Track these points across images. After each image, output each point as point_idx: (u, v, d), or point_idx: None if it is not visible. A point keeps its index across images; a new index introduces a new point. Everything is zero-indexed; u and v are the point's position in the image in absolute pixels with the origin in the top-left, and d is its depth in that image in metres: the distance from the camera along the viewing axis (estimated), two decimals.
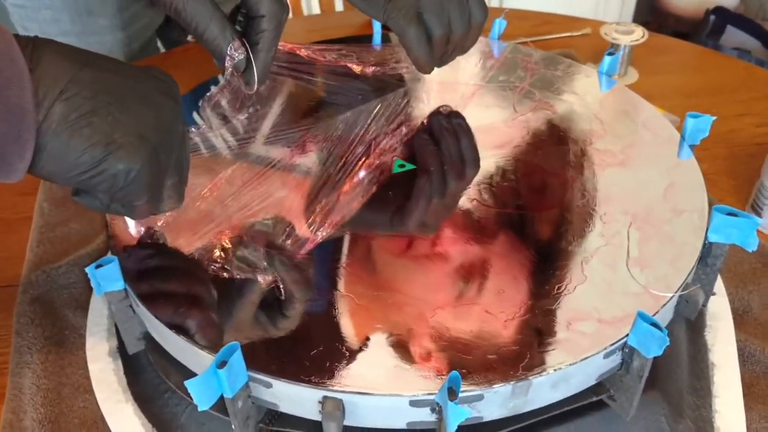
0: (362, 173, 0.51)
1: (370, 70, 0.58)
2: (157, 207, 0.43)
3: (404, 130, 0.57)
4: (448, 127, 0.60)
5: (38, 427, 0.48)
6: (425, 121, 0.61)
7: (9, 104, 0.35)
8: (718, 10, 1.86)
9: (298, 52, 0.56)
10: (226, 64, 0.47)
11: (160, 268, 0.48)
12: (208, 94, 0.51)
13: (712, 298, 0.53)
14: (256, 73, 0.48)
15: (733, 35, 1.81)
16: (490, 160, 0.58)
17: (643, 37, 0.83)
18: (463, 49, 0.58)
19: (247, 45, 0.47)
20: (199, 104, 0.51)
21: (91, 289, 0.58)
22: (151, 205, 0.42)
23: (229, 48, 0.46)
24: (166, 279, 0.47)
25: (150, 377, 0.51)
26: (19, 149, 0.36)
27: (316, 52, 0.57)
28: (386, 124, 0.58)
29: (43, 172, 0.38)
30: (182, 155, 0.44)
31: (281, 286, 0.45)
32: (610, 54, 0.66)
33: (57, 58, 0.38)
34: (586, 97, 0.65)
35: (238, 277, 0.46)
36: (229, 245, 0.48)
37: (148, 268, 0.48)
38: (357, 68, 0.58)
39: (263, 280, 0.45)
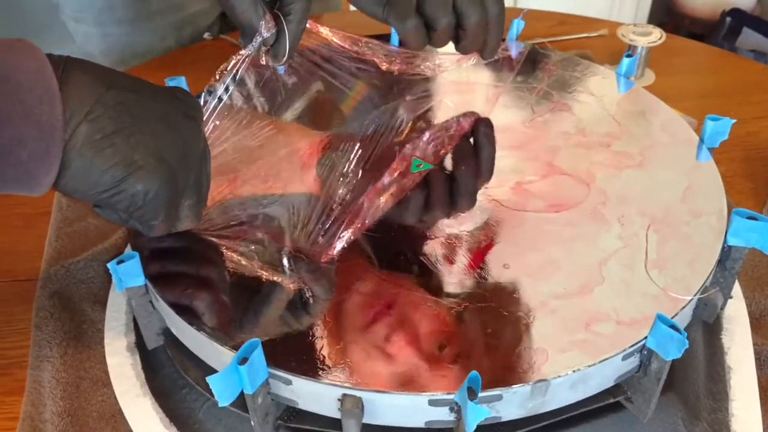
0: (386, 179, 0.51)
1: (396, 67, 0.57)
2: (174, 225, 0.44)
3: (427, 134, 0.56)
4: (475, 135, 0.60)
5: (57, 419, 0.49)
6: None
7: (40, 122, 0.36)
8: (735, 12, 1.85)
9: (322, 35, 0.55)
10: (255, 39, 0.47)
11: (177, 251, 0.49)
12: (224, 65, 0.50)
13: (728, 301, 0.53)
14: (288, 45, 0.49)
15: (750, 37, 1.80)
16: (509, 161, 0.58)
17: (660, 38, 0.83)
18: (488, 45, 0.57)
19: (281, 16, 0.48)
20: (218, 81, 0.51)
21: (109, 283, 0.58)
22: (168, 224, 0.43)
23: (260, 22, 0.47)
24: (181, 263, 0.49)
25: (168, 372, 0.51)
26: (46, 165, 0.37)
27: (344, 39, 0.56)
28: (409, 128, 0.57)
29: (66, 188, 0.39)
30: (201, 176, 0.45)
31: (306, 292, 0.46)
32: (628, 56, 0.66)
33: (85, 78, 0.39)
34: (604, 98, 0.65)
35: (263, 279, 0.46)
36: (253, 247, 0.48)
37: (163, 249, 0.49)
38: (384, 65, 0.57)
39: (288, 285, 0.46)
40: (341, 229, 0.48)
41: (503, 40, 0.57)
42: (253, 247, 0.48)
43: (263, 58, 0.49)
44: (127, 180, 0.39)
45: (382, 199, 0.50)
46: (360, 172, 0.53)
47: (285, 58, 0.49)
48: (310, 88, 0.61)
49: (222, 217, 0.49)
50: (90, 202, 0.41)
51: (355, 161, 0.54)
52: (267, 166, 0.53)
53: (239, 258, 0.47)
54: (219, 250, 0.48)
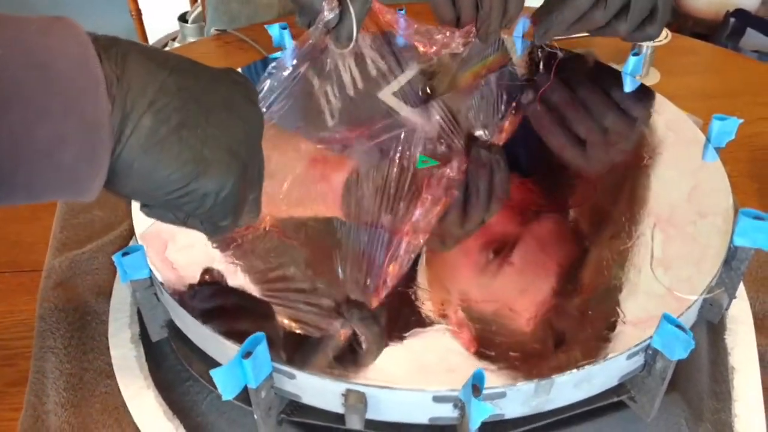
0: (418, 212, 0.48)
1: (432, 51, 0.56)
2: (237, 223, 0.40)
3: (455, 163, 0.54)
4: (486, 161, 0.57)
5: (61, 410, 0.49)
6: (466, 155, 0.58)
7: (83, 118, 0.31)
8: (739, 13, 1.84)
9: (381, 16, 0.53)
10: (317, 20, 0.45)
11: (232, 309, 0.46)
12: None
13: (732, 302, 0.53)
14: (355, 27, 0.46)
15: (753, 38, 1.79)
16: (512, 159, 0.57)
17: (666, 38, 0.83)
18: (508, 15, 0.57)
19: None
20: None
21: (113, 275, 0.58)
22: (235, 223, 0.40)
23: (322, 2, 0.44)
24: (239, 320, 0.45)
25: (172, 364, 0.51)
26: (94, 168, 0.32)
27: (392, 18, 0.54)
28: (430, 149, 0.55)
29: (125, 190, 0.35)
30: (262, 167, 0.41)
31: (359, 339, 0.42)
32: (635, 54, 0.66)
33: (144, 62, 0.34)
34: (610, 96, 0.65)
35: (315, 328, 0.44)
36: (303, 296, 0.45)
37: (216, 307, 0.46)
38: (422, 48, 0.56)
39: (341, 333, 0.43)
40: (386, 271, 0.46)
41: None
42: (302, 297, 0.45)
43: (327, 42, 0.47)
44: (199, 179, 0.35)
45: (420, 235, 0.48)
46: (390, 206, 0.50)
47: (351, 42, 0.47)
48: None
49: (269, 272, 0.47)
50: (150, 203, 0.38)
51: (383, 196, 0.50)
52: (287, 186, 0.50)
53: (290, 309, 0.45)
54: (269, 303, 0.46)
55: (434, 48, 0.57)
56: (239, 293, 0.46)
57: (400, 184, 0.50)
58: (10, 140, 0.30)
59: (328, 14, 0.45)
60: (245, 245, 0.48)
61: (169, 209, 0.38)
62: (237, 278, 0.47)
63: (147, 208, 0.39)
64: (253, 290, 0.46)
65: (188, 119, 0.34)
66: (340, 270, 0.47)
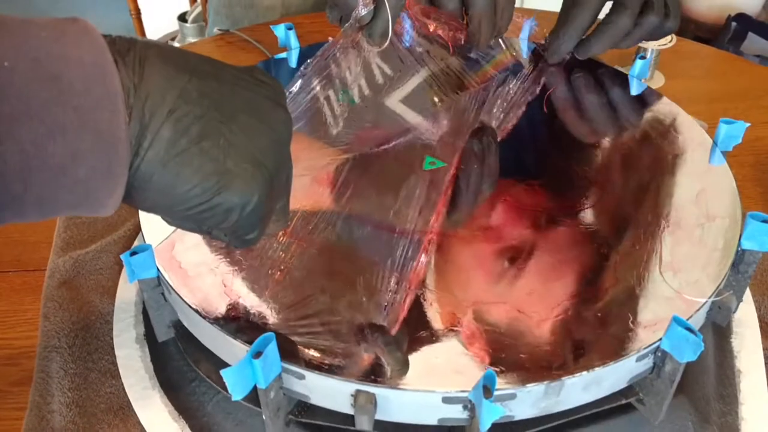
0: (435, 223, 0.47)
1: (456, 38, 0.56)
2: (264, 234, 0.38)
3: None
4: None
5: (65, 410, 0.49)
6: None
7: (99, 131, 0.29)
8: (740, 17, 1.84)
9: (410, 9, 0.52)
10: (352, 16, 0.44)
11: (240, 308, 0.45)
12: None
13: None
14: (390, 24, 0.44)
15: (755, 42, 1.80)
16: (520, 163, 0.57)
17: (671, 41, 0.83)
18: (496, 27, 0.57)
19: None
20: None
21: (118, 275, 0.58)
22: (261, 234, 0.38)
23: None
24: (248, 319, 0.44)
25: (177, 365, 0.51)
26: (110, 184, 0.30)
27: (416, 9, 0.54)
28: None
29: (144, 205, 0.34)
30: (290, 172, 0.39)
31: (383, 364, 0.41)
32: (641, 57, 0.66)
33: (163, 66, 0.32)
34: (616, 100, 0.65)
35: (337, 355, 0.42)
36: (324, 325, 0.44)
37: (225, 307, 0.44)
38: (444, 34, 0.55)
39: (364, 360, 0.41)
40: (403, 291, 0.44)
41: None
42: (324, 325, 0.44)
43: (359, 39, 0.46)
44: (222, 193, 0.33)
45: (432, 248, 0.47)
46: (407, 222, 0.48)
47: (386, 40, 0.45)
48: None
49: (279, 272, 0.46)
50: (172, 218, 0.36)
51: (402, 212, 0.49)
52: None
53: (312, 338, 0.43)
54: (280, 303, 0.44)
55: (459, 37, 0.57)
56: (248, 292, 0.46)
57: (417, 192, 0.50)
58: (20, 158, 0.28)
59: (363, 10, 0.43)
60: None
61: (192, 222, 0.36)
62: (246, 277, 0.47)
63: (169, 217, 0.37)
64: (263, 289, 0.46)
65: (210, 128, 0.32)
66: (357, 282, 0.45)
